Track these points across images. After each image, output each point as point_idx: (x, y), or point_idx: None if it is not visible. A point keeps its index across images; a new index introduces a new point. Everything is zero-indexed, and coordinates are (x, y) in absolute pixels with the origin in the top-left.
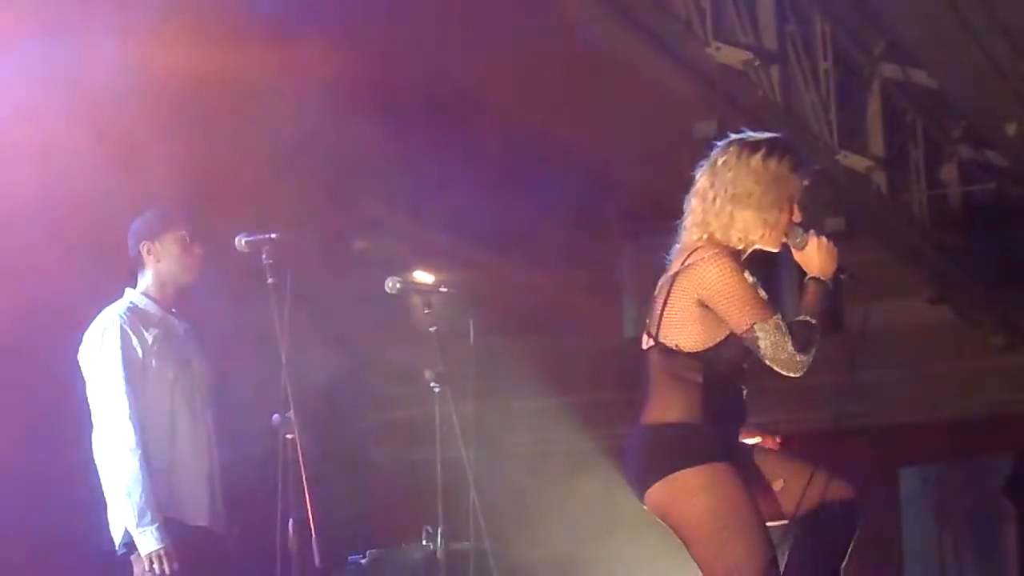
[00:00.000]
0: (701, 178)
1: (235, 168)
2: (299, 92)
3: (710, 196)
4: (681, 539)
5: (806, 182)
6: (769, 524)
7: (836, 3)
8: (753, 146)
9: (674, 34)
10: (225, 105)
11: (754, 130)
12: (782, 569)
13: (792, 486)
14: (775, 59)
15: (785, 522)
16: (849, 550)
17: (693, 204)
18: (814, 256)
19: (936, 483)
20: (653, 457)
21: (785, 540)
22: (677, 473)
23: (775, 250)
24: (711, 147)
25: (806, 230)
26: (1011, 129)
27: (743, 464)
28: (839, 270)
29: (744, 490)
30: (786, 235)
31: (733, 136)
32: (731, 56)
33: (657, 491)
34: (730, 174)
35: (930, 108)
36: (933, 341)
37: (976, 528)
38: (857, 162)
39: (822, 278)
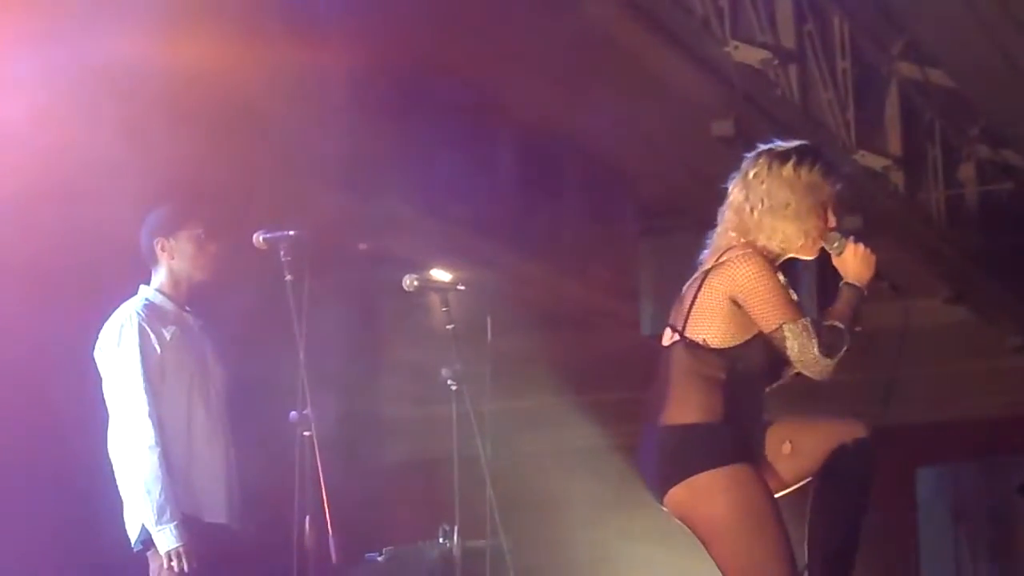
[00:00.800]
0: (734, 191)
1: (252, 166)
2: (317, 88)
3: (746, 209)
4: (701, 540)
5: (839, 186)
6: (790, 489)
7: (854, 2)
8: (783, 156)
9: (692, 33)
10: (243, 102)
11: (773, 130)
12: (808, 523)
13: (801, 443)
14: (793, 58)
15: (804, 482)
16: (869, 490)
17: (728, 215)
18: (851, 262)
19: (953, 483)
20: (674, 458)
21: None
22: (699, 475)
23: (812, 257)
24: (729, 146)
25: (844, 236)
26: None
27: (761, 448)
28: (879, 279)
29: (766, 491)
30: (824, 241)
31: (761, 147)
32: (749, 55)
33: (678, 492)
34: (763, 186)
35: (948, 107)
36: (950, 341)
37: (993, 528)
38: (875, 161)
39: (858, 284)
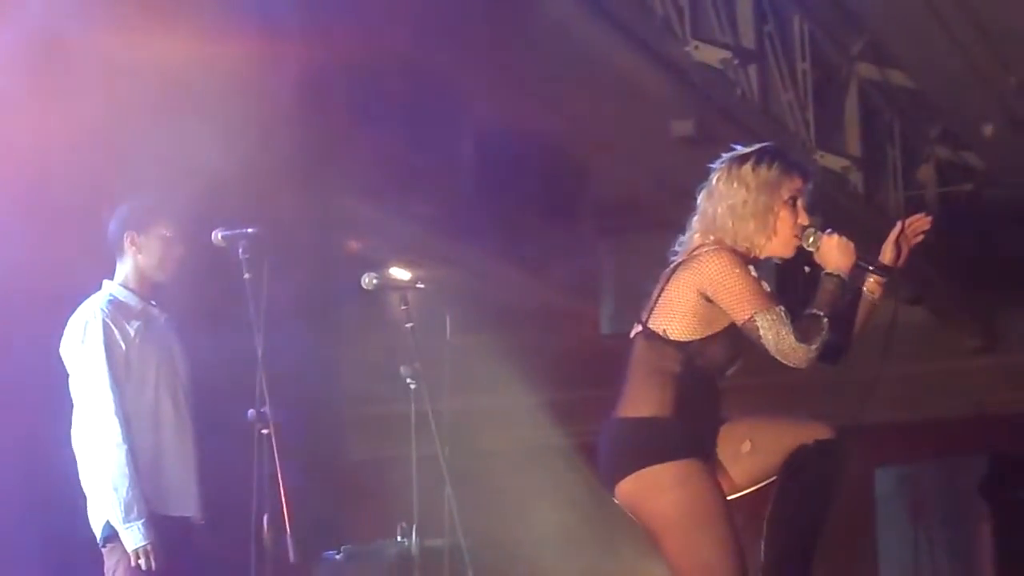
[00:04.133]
0: (701, 200)
1: (209, 163)
2: (276, 86)
3: (709, 212)
4: (650, 535)
5: (808, 185)
6: (748, 490)
7: (814, 3)
8: (743, 158)
9: (653, 32)
10: (203, 100)
11: (733, 130)
12: (767, 521)
13: (761, 442)
14: (753, 58)
15: (766, 482)
16: (833, 493)
17: (695, 221)
18: (829, 254)
19: (911, 483)
20: (624, 451)
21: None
22: (647, 468)
23: (789, 255)
24: (689, 146)
25: (818, 230)
26: (988, 130)
27: (714, 446)
28: (862, 264)
29: (716, 488)
30: (799, 239)
31: (725, 155)
32: (709, 55)
33: (627, 485)
34: (724, 187)
35: (907, 108)
36: (909, 342)
37: (951, 527)
38: (834, 162)
39: (838, 274)
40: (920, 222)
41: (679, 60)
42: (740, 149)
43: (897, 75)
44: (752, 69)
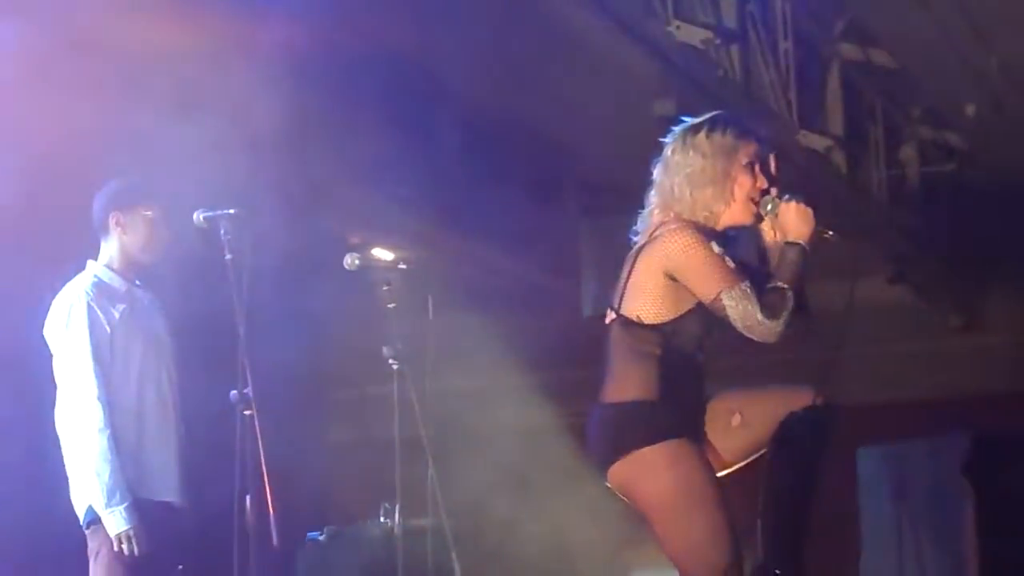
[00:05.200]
0: (657, 174)
1: (188, 142)
2: (258, 66)
3: (667, 185)
4: (643, 516)
5: (764, 149)
6: (740, 464)
7: None
8: (696, 127)
9: (634, 12)
10: (176, 78)
11: (715, 110)
12: (763, 491)
13: (750, 414)
14: (735, 38)
15: (758, 455)
16: (823, 458)
17: (652, 196)
18: (789, 221)
19: (894, 463)
20: (613, 435)
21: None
22: (639, 451)
23: (749, 223)
24: (671, 125)
25: (778, 196)
26: (970, 110)
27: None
28: (821, 230)
29: (705, 466)
30: (757, 205)
31: (676, 128)
32: (691, 34)
33: (619, 469)
34: (679, 157)
35: (890, 88)
36: (891, 321)
37: (934, 507)
38: (816, 141)
39: (799, 242)
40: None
41: (661, 40)
42: (692, 120)
43: (879, 55)
44: (734, 49)
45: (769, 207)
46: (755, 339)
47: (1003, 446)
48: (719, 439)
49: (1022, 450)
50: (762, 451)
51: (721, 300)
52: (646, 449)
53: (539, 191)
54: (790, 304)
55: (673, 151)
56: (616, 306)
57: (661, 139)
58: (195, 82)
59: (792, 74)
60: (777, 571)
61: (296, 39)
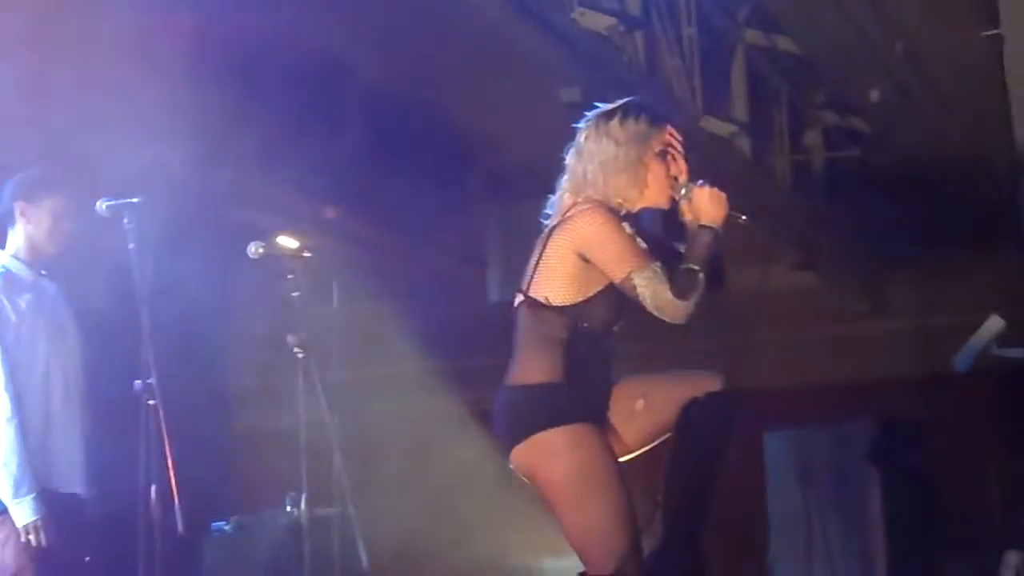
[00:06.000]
0: (570, 160)
1: (93, 132)
2: (164, 56)
3: (579, 171)
4: (545, 499)
5: (678, 136)
6: (644, 448)
7: None
8: (608, 114)
9: (539, 0)
10: (83, 70)
11: (620, 96)
12: (665, 474)
13: (654, 399)
14: (639, 24)
15: (661, 439)
16: (726, 444)
17: (564, 181)
18: (703, 206)
19: (800, 447)
20: (517, 418)
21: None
22: (540, 434)
23: (665, 207)
24: (576, 112)
25: (691, 181)
26: (875, 95)
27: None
28: (735, 215)
29: (607, 451)
30: (672, 190)
31: (589, 114)
32: (595, 22)
33: (521, 452)
34: (592, 144)
35: (794, 74)
36: (797, 306)
37: (841, 491)
38: (721, 127)
39: (712, 225)
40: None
41: (565, 27)
42: (605, 106)
43: (784, 41)
44: (638, 35)
45: (683, 192)
46: (665, 319)
47: (908, 430)
48: (622, 424)
49: (927, 434)
50: (666, 437)
51: (632, 280)
52: (548, 432)
53: (445, 178)
54: (701, 286)
55: (586, 138)
56: (525, 288)
57: (572, 125)
58: (98, 71)
59: (696, 60)
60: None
61: (201, 28)
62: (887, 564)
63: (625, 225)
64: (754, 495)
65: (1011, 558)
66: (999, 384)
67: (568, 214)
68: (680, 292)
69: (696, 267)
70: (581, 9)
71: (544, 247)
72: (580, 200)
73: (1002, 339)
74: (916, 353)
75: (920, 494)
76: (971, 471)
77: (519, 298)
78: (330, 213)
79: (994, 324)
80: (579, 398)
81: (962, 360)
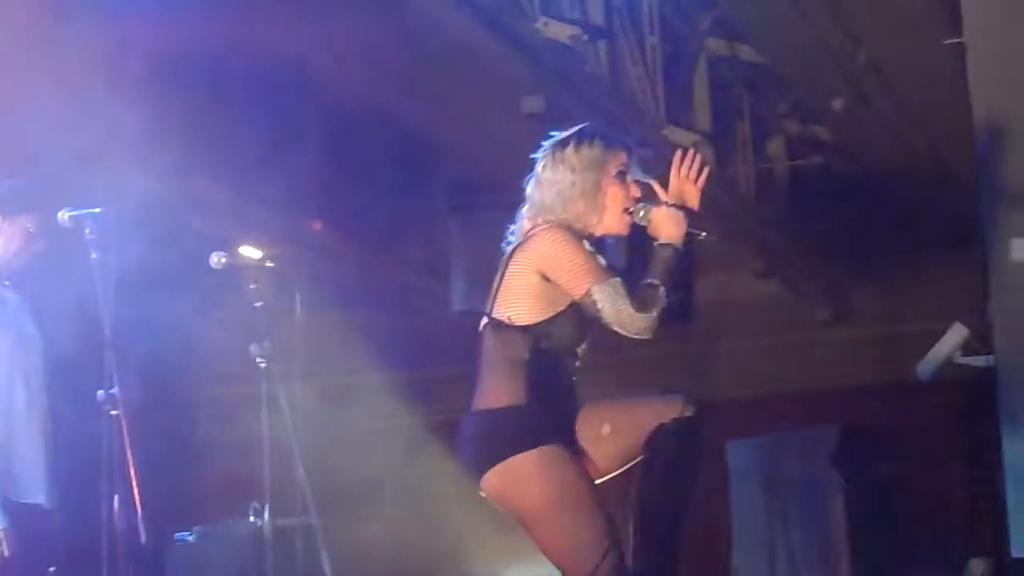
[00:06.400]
0: (530, 190)
1: (54, 143)
2: (122, 65)
3: (538, 199)
4: (521, 524)
5: (633, 158)
6: (613, 473)
7: None
8: (564, 141)
9: (502, 9)
10: (48, 80)
11: (583, 106)
12: (634, 501)
13: (620, 424)
14: (602, 34)
15: (633, 463)
16: (695, 470)
17: (525, 210)
18: (661, 224)
19: (764, 455)
20: (485, 444)
21: None
22: (510, 459)
23: (625, 232)
24: (540, 122)
25: (649, 202)
26: (837, 104)
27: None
28: (693, 231)
29: (580, 471)
30: (630, 214)
31: (546, 143)
32: (559, 31)
33: (492, 479)
34: (549, 173)
35: (757, 83)
36: (760, 315)
37: (804, 499)
38: (684, 136)
39: (672, 243)
40: (692, 161)
41: (528, 37)
42: (560, 134)
43: (746, 50)
44: (601, 45)
45: (642, 213)
46: (627, 335)
47: (871, 438)
48: (591, 447)
49: (890, 442)
50: (637, 460)
51: (591, 295)
52: (518, 457)
53: (408, 188)
54: (662, 300)
55: (544, 167)
56: (488, 310)
57: (534, 134)
58: (62, 81)
59: (659, 70)
60: None
61: (161, 37)
62: (851, 572)
63: (585, 243)
64: (718, 503)
65: (975, 566)
66: (962, 392)
67: (529, 234)
68: (641, 305)
69: (657, 281)
70: (544, 19)
71: (506, 267)
72: (540, 222)
73: (965, 348)
74: (879, 361)
75: (883, 502)
76: (934, 479)
77: (483, 320)
78: (293, 224)
79: (957, 333)
80: (545, 419)
81: (925, 368)
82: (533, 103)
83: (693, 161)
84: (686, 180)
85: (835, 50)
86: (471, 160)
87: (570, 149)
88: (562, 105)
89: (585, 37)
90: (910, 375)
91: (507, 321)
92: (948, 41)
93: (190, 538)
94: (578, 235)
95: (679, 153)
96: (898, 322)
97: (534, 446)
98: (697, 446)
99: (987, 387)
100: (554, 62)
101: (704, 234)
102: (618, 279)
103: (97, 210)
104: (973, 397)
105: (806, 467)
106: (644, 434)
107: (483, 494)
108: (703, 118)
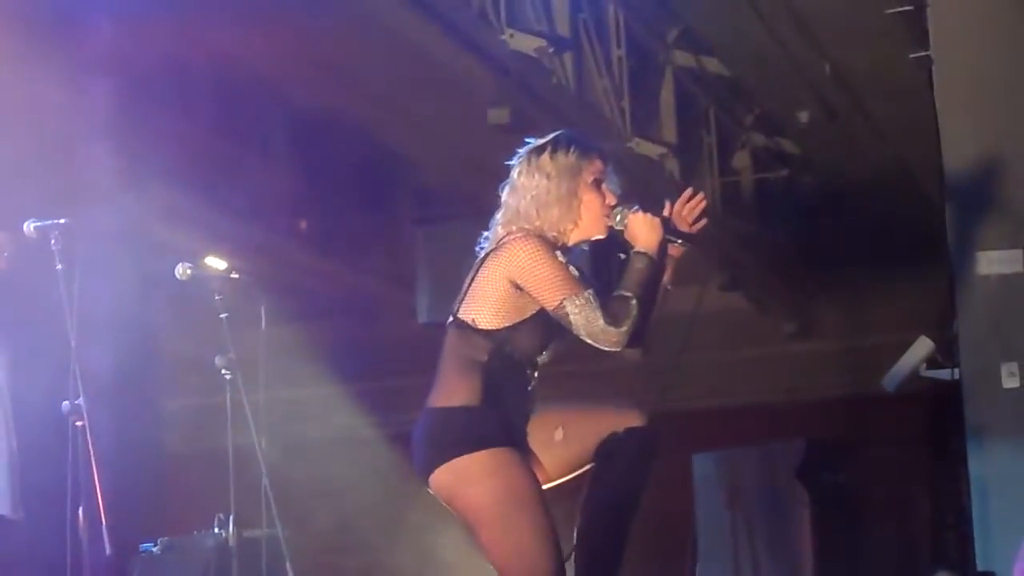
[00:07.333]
0: (505, 196)
1: (22, 153)
2: (85, 78)
3: (513, 206)
4: (466, 525)
5: (608, 166)
6: (563, 479)
7: None
8: (540, 148)
9: (469, 21)
10: (14, 93)
11: (549, 118)
12: (581, 506)
13: (573, 430)
14: (568, 46)
15: (583, 470)
16: (643, 481)
17: (499, 217)
18: (638, 231)
19: (728, 468)
20: (436, 442)
21: None
22: (459, 459)
23: (602, 236)
24: (505, 133)
25: (625, 208)
26: (803, 117)
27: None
28: (671, 238)
29: (528, 474)
30: (607, 219)
31: (521, 150)
32: (525, 43)
33: (440, 476)
34: (524, 180)
35: (723, 96)
36: (725, 328)
37: (769, 512)
38: (650, 149)
39: (646, 251)
40: (696, 203)
41: (495, 49)
42: (536, 141)
43: (712, 63)
44: (567, 57)
45: (619, 219)
46: (598, 347)
47: (836, 451)
48: (542, 452)
49: (855, 454)
50: (587, 467)
51: (564, 307)
52: (467, 457)
53: (374, 200)
54: (634, 312)
55: (519, 174)
56: (455, 310)
57: (500, 146)
58: (25, 92)
59: (626, 82)
60: None
61: (127, 48)
62: None
63: (558, 253)
64: (682, 516)
65: None
66: (927, 405)
67: (503, 240)
68: (613, 319)
69: (629, 294)
70: (510, 30)
71: (477, 271)
72: (514, 229)
73: (930, 361)
74: (844, 374)
75: (848, 515)
76: (899, 492)
77: (448, 319)
78: (258, 235)
79: (922, 346)
80: (499, 422)
81: (890, 381)
82: (499, 115)
83: (698, 204)
84: (681, 217)
85: (801, 63)
86: (438, 172)
87: (546, 156)
88: (528, 117)
89: (551, 49)
90: (875, 388)
91: (471, 323)
92: (915, 55)
93: (155, 549)
94: (552, 244)
95: (689, 191)
96: (863, 335)
97: (485, 447)
98: (649, 456)
99: (953, 400)
100: (520, 74)
101: (680, 241)
102: (591, 291)
103: (62, 221)
104: (938, 410)
105: (771, 480)
106: (596, 441)
107: (431, 491)
108: (669, 130)
